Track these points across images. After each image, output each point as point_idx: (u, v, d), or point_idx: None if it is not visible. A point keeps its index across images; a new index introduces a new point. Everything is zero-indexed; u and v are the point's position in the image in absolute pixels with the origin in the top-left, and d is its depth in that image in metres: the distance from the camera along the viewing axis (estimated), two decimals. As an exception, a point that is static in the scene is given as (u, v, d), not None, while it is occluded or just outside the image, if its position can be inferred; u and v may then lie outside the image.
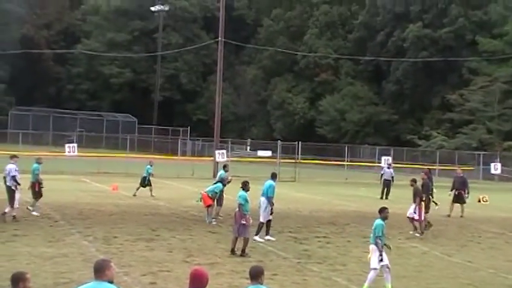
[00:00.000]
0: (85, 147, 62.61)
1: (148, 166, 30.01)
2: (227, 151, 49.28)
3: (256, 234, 18.12)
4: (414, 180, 21.26)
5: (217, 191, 21.80)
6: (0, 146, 60.34)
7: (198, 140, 76.30)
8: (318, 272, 14.66)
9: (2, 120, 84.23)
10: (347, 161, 54.99)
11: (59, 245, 16.07)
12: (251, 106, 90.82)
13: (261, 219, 18.23)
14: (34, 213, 21.29)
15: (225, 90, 79.66)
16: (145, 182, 29.72)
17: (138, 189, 29.54)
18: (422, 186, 21.21)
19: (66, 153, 42.78)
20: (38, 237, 17.06)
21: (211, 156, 50.35)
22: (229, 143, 61.04)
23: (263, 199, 18.39)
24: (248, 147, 76.57)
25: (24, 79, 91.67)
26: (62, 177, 39.51)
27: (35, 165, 22.15)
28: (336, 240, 19.29)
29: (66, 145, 43.67)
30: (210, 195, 21.72)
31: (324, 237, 19.70)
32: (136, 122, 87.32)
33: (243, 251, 15.88)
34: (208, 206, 21.67)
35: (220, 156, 44.83)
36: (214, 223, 21.40)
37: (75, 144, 43.88)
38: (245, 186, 16.71)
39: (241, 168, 48.35)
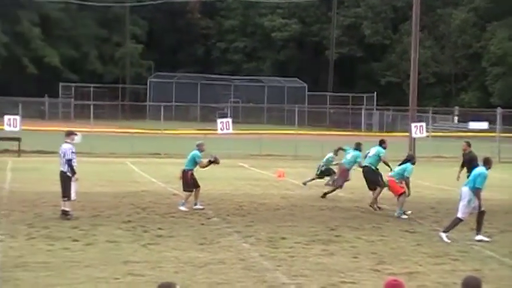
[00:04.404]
0: (242, 123, 64.34)
1: (331, 155, 29.38)
2: (427, 124, 48.49)
3: (444, 231, 17.93)
4: None
5: (408, 174, 21.67)
6: (139, 124, 63.75)
7: (387, 109, 75.85)
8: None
9: (140, 90, 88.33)
10: None
11: (214, 249, 16.64)
12: (459, 63, 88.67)
13: (459, 215, 17.92)
14: (182, 208, 22.15)
15: (424, 42, 78.39)
16: (323, 173, 29.49)
17: (312, 180, 29.45)
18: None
19: (219, 131, 43.98)
20: (187, 238, 17.76)
21: (405, 131, 49.79)
22: (430, 112, 60.01)
23: (465, 189, 18.02)
24: (456, 118, 75.01)
25: (165, 37, 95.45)
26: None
27: (195, 151, 22.82)
28: None
29: (219, 120, 44.86)
30: (397, 180, 21.67)
31: None
32: (306, 88, 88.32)
33: None
34: (401, 195, 21.60)
35: (418, 130, 44.22)
36: (404, 217, 21.30)
37: (230, 119, 44.96)
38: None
39: (445, 146, 47.46)
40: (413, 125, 44.91)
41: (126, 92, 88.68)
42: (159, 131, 49.70)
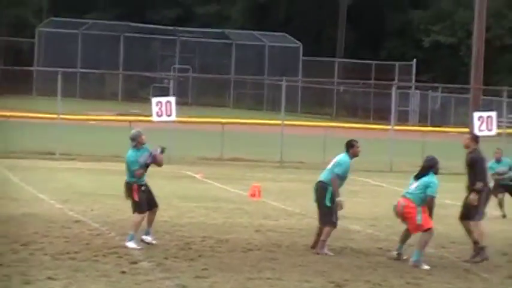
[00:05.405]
0: (193, 105, 64.35)
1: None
2: (499, 113, 48.87)
3: None
4: None
5: (433, 191, 21.42)
6: (19, 103, 63.48)
7: (434, 88, 76.33)
8: None
9: (23, 46, 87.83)
10: None
11: (141, 315, 16.64)
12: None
13: None
14: (131, 244, 22.12)
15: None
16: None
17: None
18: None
19: (154, 118, 43.93)
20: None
21: (462, 126, 50.07)
22: (505, 95, 60.46)
23: None
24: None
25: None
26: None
27: (130, 151, 22.73)
28: None
29: (154, 100, 44.69)
30: (418, 205, 21.45)
31: None
32: (301, 51, 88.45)
33: None
34: (427, 230, 21.45)
35: (485, 124, 44.41)
36: (426, 267, 21.27)
37: (173, 99, 44.75)
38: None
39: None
40: (476, 115, 45.07)
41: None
42: (54, 116, 49.45)
